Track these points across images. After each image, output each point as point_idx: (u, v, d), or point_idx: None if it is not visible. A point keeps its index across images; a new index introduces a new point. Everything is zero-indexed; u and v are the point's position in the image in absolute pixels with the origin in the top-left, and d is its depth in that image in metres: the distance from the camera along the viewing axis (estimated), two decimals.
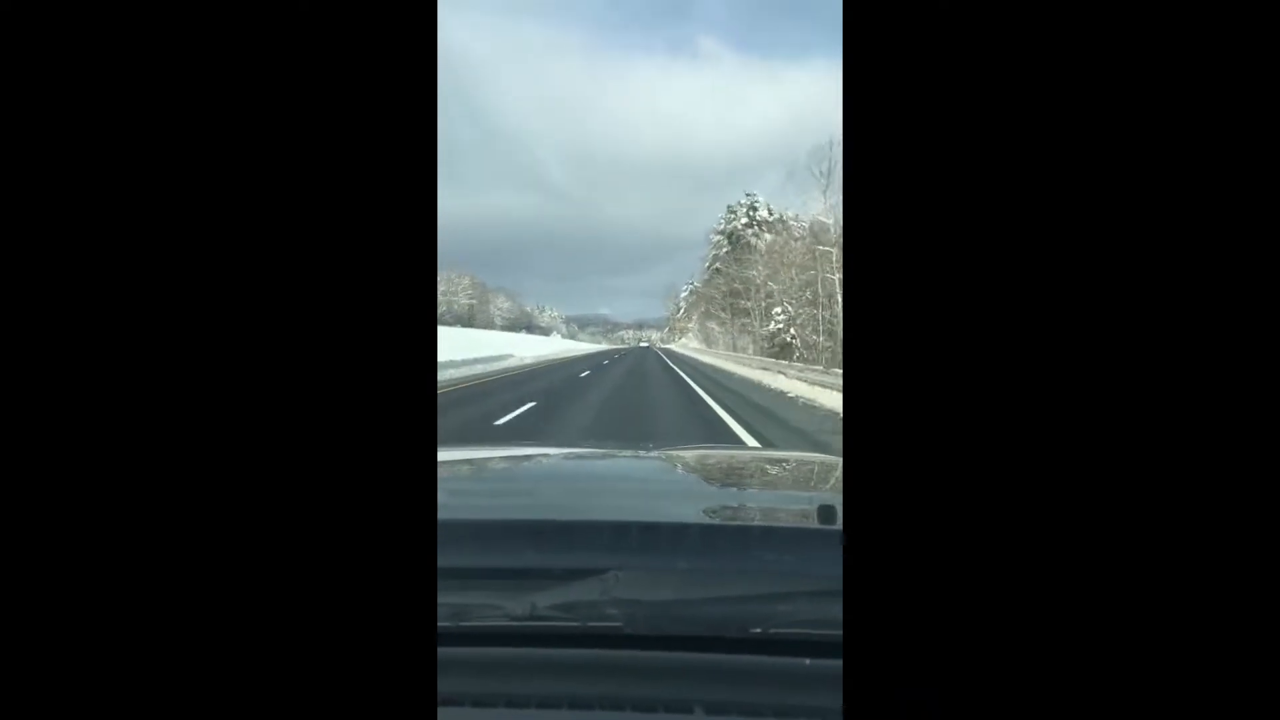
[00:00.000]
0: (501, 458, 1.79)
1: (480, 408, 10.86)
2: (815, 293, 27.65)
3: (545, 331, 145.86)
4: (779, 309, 32.18)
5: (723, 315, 50.73)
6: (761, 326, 36.83)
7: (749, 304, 39.46)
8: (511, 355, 31.42)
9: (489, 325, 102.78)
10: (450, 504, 0.91)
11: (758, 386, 16.01)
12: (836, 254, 24.61)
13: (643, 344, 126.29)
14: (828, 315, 26.65)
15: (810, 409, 11.11)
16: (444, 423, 7.94)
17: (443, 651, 0.56)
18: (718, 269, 53.40)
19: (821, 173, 26.64)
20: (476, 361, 23.39)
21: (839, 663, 0.50)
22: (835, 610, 0.53)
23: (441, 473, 1.26)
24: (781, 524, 1.05)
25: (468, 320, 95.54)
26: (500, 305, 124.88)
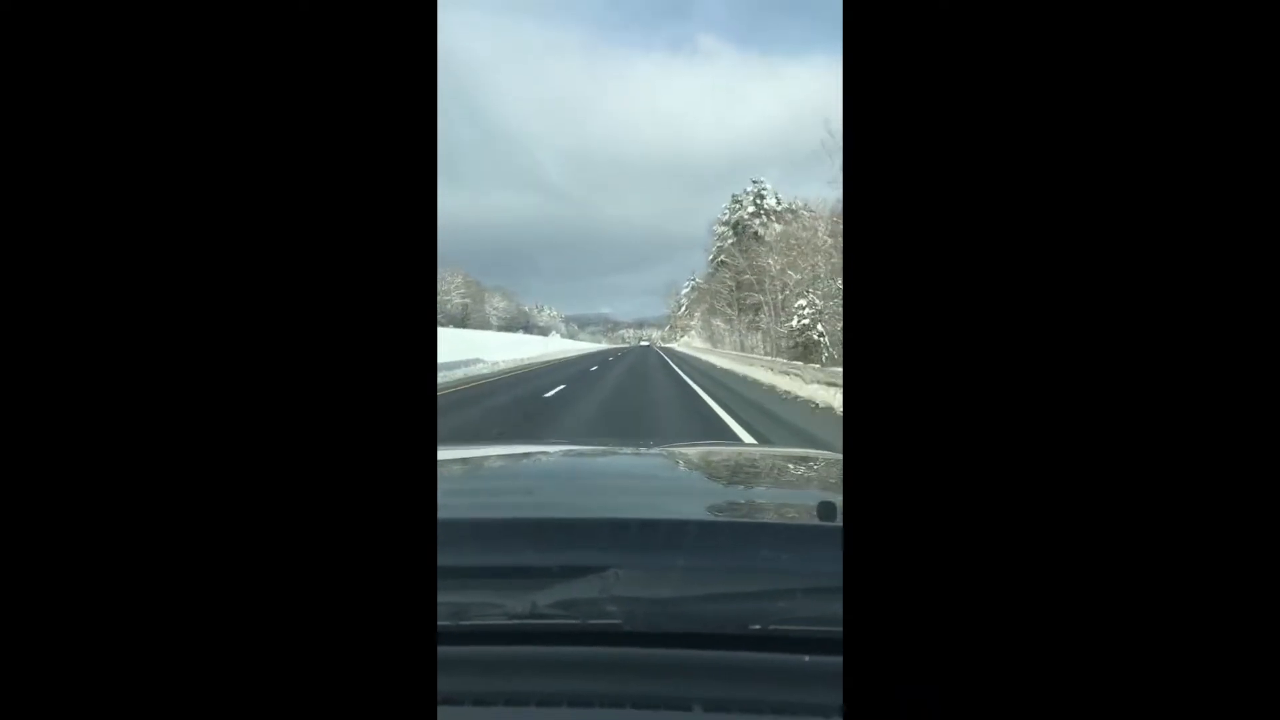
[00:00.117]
0: (502, 455, 1.80)
1: None
2: None
3: (544, 331, 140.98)
4: (802, 301, 26.55)
5: (729, 311, 45.69)
6: (777, 322, 31.24)
7: (761, 297, 33.98)
8: (479, 361, 25.54)
9: (484, 325, 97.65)
10: (450, 502, 0.95)
11: (824, 412, 10.19)
12: None
13: (643, 343, 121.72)
14: None
15: None
16: None
17: (443, 650, 0.57)
18: (723, 261, 48.71)
19: None
20: None
21: (839, 660, 0.51)
22: (835, 607, 0.54)
23: (442, 471, 1.29)
24: (781, 521, 1.07)
25: (461, 320, 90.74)
26: (496, 304, 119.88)
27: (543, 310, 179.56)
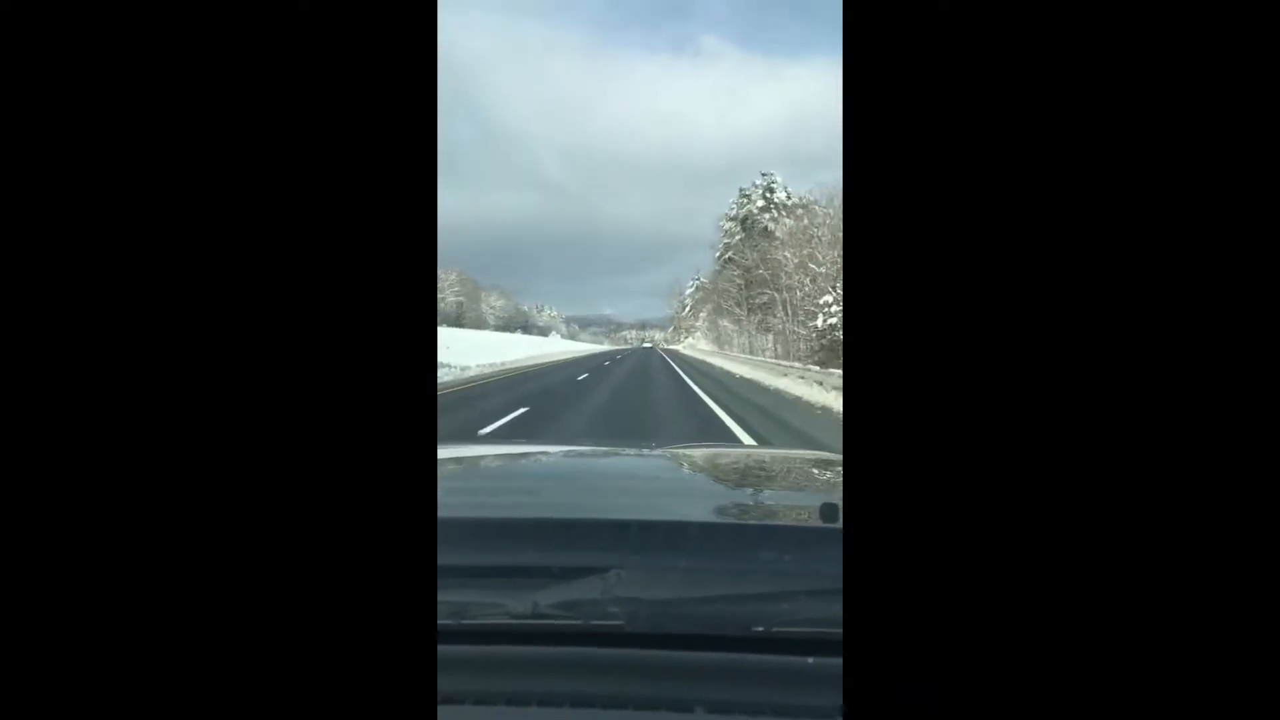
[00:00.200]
0: (504, 455, 1.82)
1: None
2: None
3: (544, 331, 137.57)
4: (828, 297, 22.60)
5: (737, 311, 41.99)
6: (795, 322, 27.24)
7: (777, 294, 30.02)
8: (446, 366, 22.05)
9: (480, 325, 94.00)
10: (452, 502, 0.95)
11: None
12: None
13: (645, 344, 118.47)
14: None
15: None
16: None
17: (444, 649, 0.58)
18: (730, 259, 44.96)
19: None
20: None
21: (840, 661, 0.52)
22: (837, 609, 0.55)
23: (444, 471, 1.31)
24: (784, 522, 1.08)
25: (455, 320, 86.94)
26: (493, 304, 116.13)
27: (543, 310, 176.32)
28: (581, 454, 1.85)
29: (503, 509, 1.11)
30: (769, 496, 1.36)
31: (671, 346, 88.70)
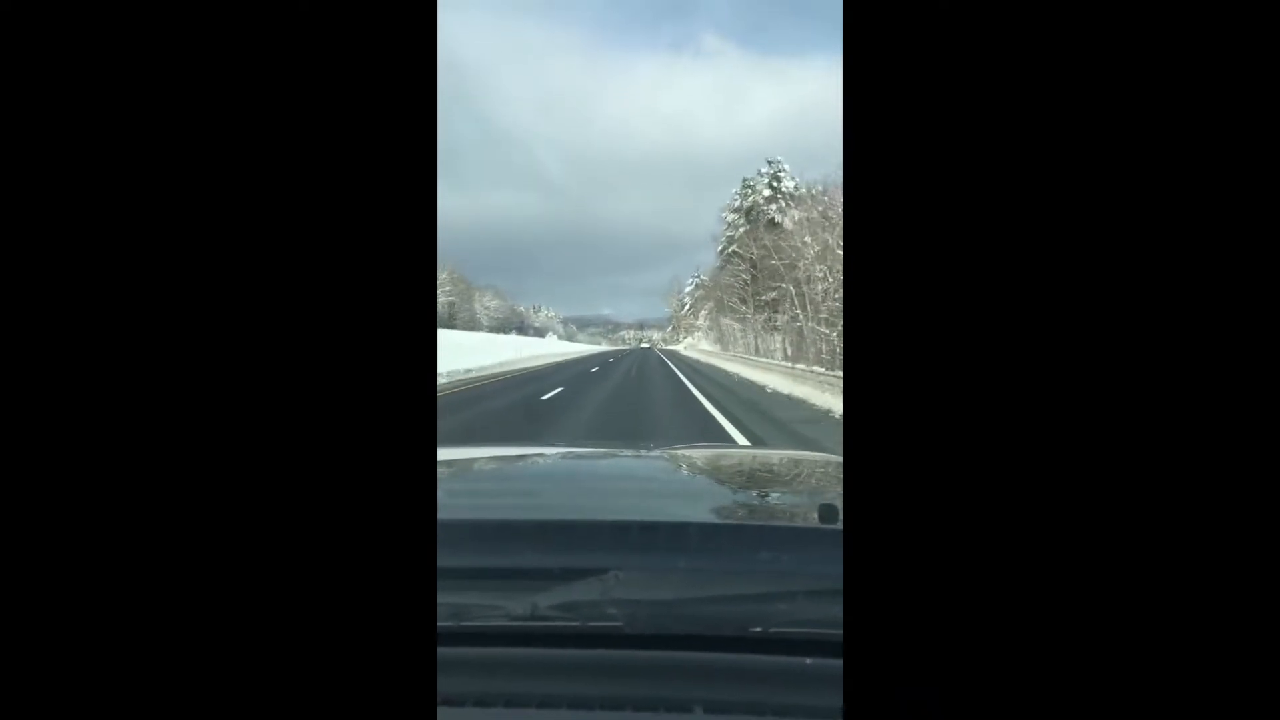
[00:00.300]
0: (503, 457, 1.82)
1: None
2: None
3: (540, 332, 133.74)
4: None
5: (742, 308, 37.64)
6: (814, 319, 22.78)
7: (792, 288, 25.68)
8: None
9: (473, 326, 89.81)
10: (452, 504, 0.97)
11: None
12: None
13: (643, 345, 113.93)
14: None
15: None
16: None
17: (444, 651, 0.59)
18: (735, 252, 40.58)
19: None
20: None
21: (840, 662, 0.53)
22: (836, 609, 0.56)
23: (443, 472, 1.32)
24: (783, 523, 1.10)
25: (447, 321, 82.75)
26: (487, 303, 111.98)
27: (540, 310, 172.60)
28: (580, 455, 1.88)
29: (501, 510, 1.13)
30: (768, 497, 1.37)
31: (670, 347, 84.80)
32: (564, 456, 1.85)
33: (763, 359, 27.33)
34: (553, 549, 0.85)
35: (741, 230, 43.66)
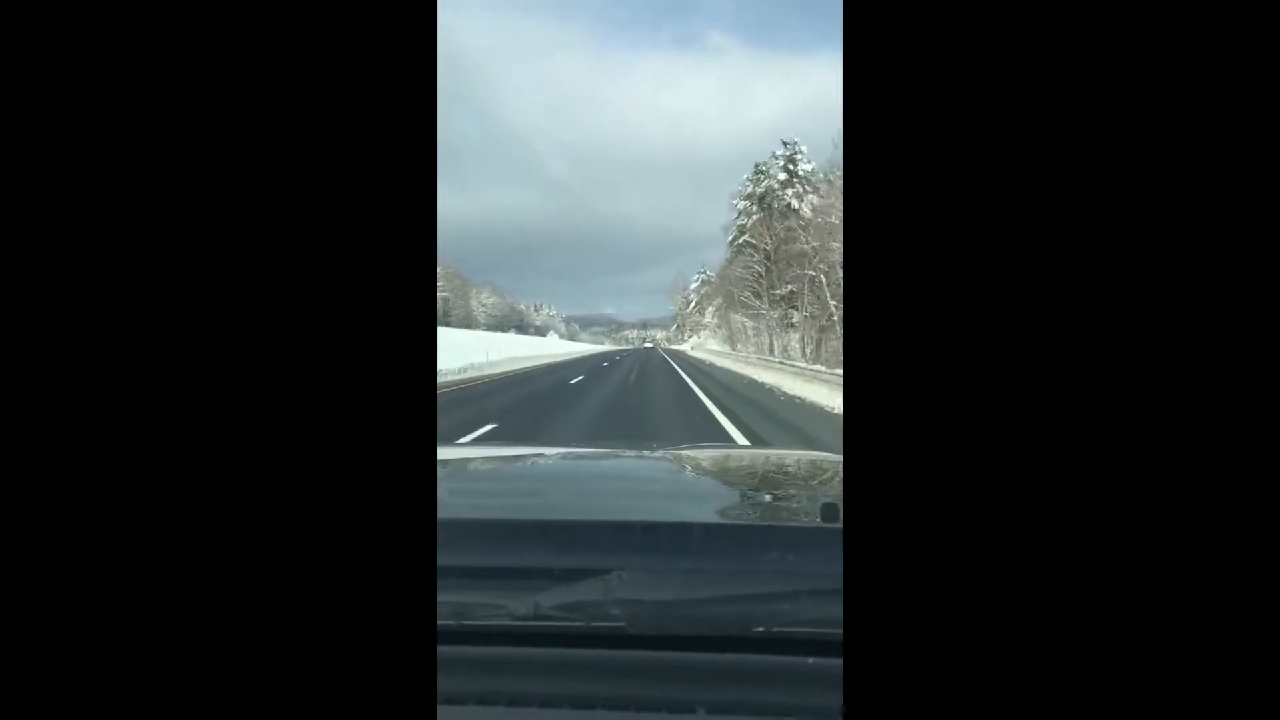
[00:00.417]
0: (506, 457, 1.85)
1: None
2: None
3: (541, 331, 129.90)
4: None
5: (755, 303, 33.28)
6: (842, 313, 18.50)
7: (822, 276, 21.51)
8: None
9: (469, 324, 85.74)
10: (455, 503, 0.99)
11: None
12: None
13: (646, 344, 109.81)
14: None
15: None
16: None
17: (446, 650, 0.61)
18: (747, 242, 36.01)
19: None
20: None
21: (842, 662, 0.55)
22: (838, 609, 0.58)
23: (447, 472, 1.36)
24: (785, 523, 1.11)
25: (441, 318, 78.39)
26: (484, 301, 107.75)
27: (540, 309, 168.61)
28: (583, 456, 1.90)
29: (505, 510, 1.14)
30: (770, 497, 1.38)
31: (675, 346, 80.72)
32: (566, 457, 1.87)
33: (795, 364, 20.92)
34: (556, 549, 0.87)
35: (754, 218, 39.77)
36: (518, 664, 0.71)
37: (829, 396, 12.17)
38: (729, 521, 1.14)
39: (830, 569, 0.67)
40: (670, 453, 1.82)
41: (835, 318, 23.17)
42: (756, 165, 45.34)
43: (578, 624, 0.73)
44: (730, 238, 46.26)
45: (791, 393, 14.20)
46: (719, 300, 52.94)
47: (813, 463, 1.67)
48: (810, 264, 26.41)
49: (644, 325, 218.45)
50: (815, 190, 35.54)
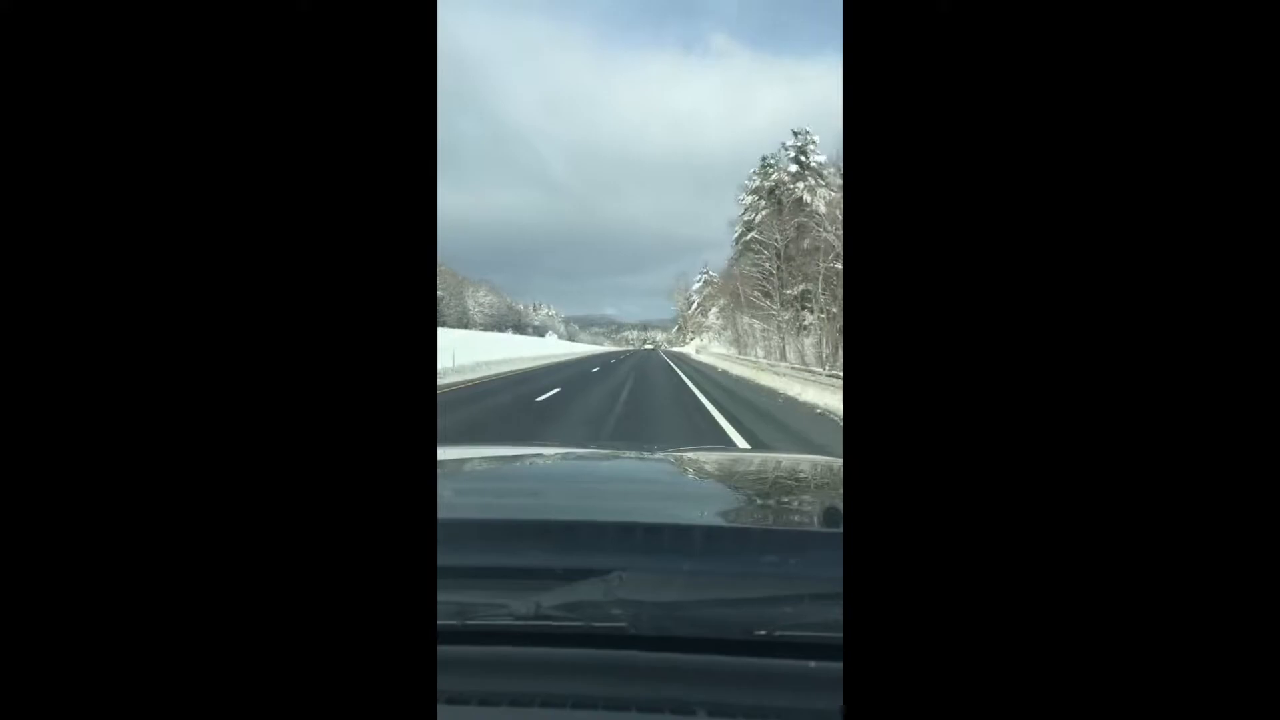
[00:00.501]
0: (508, 457, 1.85)
1: None
2: None
3: (540, 331, 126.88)
4: None
5: (765, 303, 30.38)
6: None
7: (830, 266, 18.80)
8: None
9: (464, 323, 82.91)
10: (456, 503, 0.99)
11: None
12: None
13: (646, 346, 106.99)
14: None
15: None
16: None
17: (447, 650, 0.62)
18: (756, 239, 32.81)
19: None
20: None
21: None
22: (840, 613, 0.59)
23: (448, 471, 1.36)
24: (786, 526, 1.12)
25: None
26: (481, 300, 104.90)
27: (539, 309, 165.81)
28: (584, 457, 1.90)
29: (507, 510, 1.14)
30: (773, 500, 1.37)
31: (676, 349, 77.90)
32: (568, 458, 1.87)
33: (823, 373, 17.46)
34: (557, 549, 0.87)
35: (762, 213, 37.03)
36: (518, 664, 0.71)
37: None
38: (732, 524, 1.13)
39: (833, 573, 0.67)
40: (672, 454, 1.82)
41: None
42: (764, 159, 42.94)
43: (579, 624, 0.73)
44: (736, 235, 43.74)
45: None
46: (723, 301, 50.36)
47: (817, 466, 1.66)
48: (826, 260, 23.82)
49: (644, 327, 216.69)
50: (827, 184, 32.85)
